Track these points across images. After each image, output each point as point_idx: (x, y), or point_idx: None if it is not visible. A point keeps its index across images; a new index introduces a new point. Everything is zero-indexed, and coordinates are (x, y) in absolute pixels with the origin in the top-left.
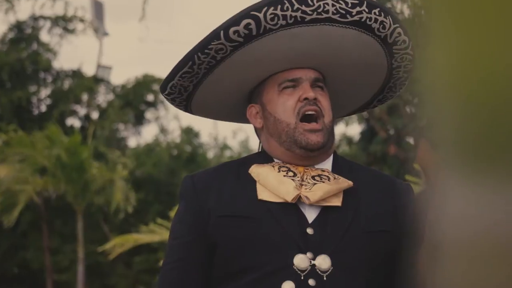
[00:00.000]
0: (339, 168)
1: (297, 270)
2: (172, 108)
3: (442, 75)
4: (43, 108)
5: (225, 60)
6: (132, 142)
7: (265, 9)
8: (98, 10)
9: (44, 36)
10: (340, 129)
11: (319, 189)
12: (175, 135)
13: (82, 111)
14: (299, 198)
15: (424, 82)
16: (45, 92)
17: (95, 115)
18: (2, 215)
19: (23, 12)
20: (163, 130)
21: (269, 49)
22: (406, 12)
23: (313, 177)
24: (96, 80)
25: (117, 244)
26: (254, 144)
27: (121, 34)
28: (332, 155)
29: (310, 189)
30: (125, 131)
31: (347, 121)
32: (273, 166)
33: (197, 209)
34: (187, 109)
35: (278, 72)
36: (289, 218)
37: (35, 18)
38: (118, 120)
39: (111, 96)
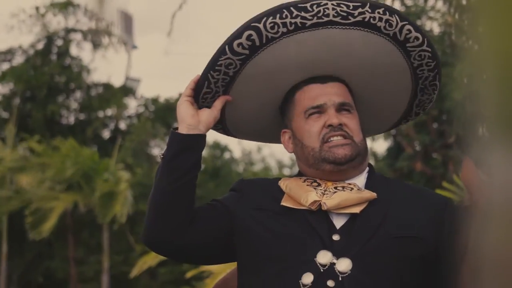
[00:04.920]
0: (373, 183)
1: (318, 264)
2: None
3: (488, 54)
4: (72, 120)
5: (238, 75)
6: None
7: (264, 19)
8: (128, 23)
9: (74, 49)
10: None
11: (338, 196)
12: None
13: (111, 122)
14: (321, 206)
15: (471, 60)
16: (74, 104)
17: (124, 126)
18: (31, 230)
19: (52, 24)
20: None
21: (278, 58)
22: (436, 30)
23: (335, 187)
24: (126, 92)
25: (143, 263)
26: (280, 159)
27: (146, 46)
28: (367, 171)
29: (330, 197)
30: (155, 145)
31: (373, 137)
32: (300, 178)
33: (238, 198)
34: (226, 131)
35: (299, 90)
36: (318, 222)
37: (67, 31)
38: (147, 133)
39: (141, 109)
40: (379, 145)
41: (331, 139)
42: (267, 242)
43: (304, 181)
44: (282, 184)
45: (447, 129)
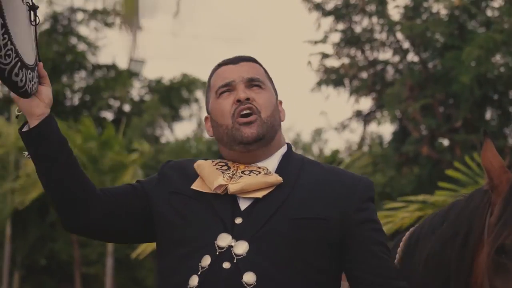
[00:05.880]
0: (285, 166)
1: (216, 247)
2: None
3: None
4: (76, 101)
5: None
6: (164, 139)
7: None
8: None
9: (81, 29)
10: (371, 128)
11: (242, 181)
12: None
13: (115, 104)
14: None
15: None
16: (78, 84)
17: (127, 108)
18: (20, 197)
19: (57, 5)
20: (201, 124)
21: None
22: (443, 12)
23: (243, 172)
24: (130, 74)
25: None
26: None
27: (149, 27)
28: (282, 154)
29: (235, 181)
30: (159, 127)
31: (379, 121)
32: (212, 161)
33: (157, 181)
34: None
35: (214, 75)
36: (223, 206)
37: (72, 10)
38: (156, 115)
39: (145, 91)
40: (385, 128)
41: (241, 112)
42: (175, 226)
43: (216, 165)
44: (196, 166)
45: (454, 113)
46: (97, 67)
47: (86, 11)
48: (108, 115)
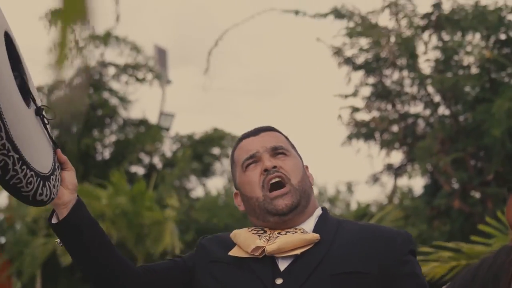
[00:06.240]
0: (322, 226)
1: None
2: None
3: None
4: (107, 155)
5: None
6: (195, 193)
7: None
8: (162, 57)
9: (112, 84)
10: (402, 182)
11: (279, 240)
12: None
13: (146, 158)
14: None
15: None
16: (109, 139)
17: (158, 163)
18: (62, 256)
19: (93, 56)
20: (231, 181)
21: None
22: (474, 64)
23: (279, 233)
24: (160, 128)
25: None
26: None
27: (177, 80)
28: (318, 216)
29: (272, 242)
30: (190, 182)
31: (410, 174)
32: (248, 228)
33: (197, 254)
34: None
35: (237, 149)
36: (263, 268)
37: (104, 65)
38: (188, 170)
39: (176, 146)
40: (416, 182)
41: (270, 181)
42: None
43: (251, 230)
44: (233, 236)
45: (486, 166)
46: (128, 121)
47: (118, 65)
48: (139, 170)
